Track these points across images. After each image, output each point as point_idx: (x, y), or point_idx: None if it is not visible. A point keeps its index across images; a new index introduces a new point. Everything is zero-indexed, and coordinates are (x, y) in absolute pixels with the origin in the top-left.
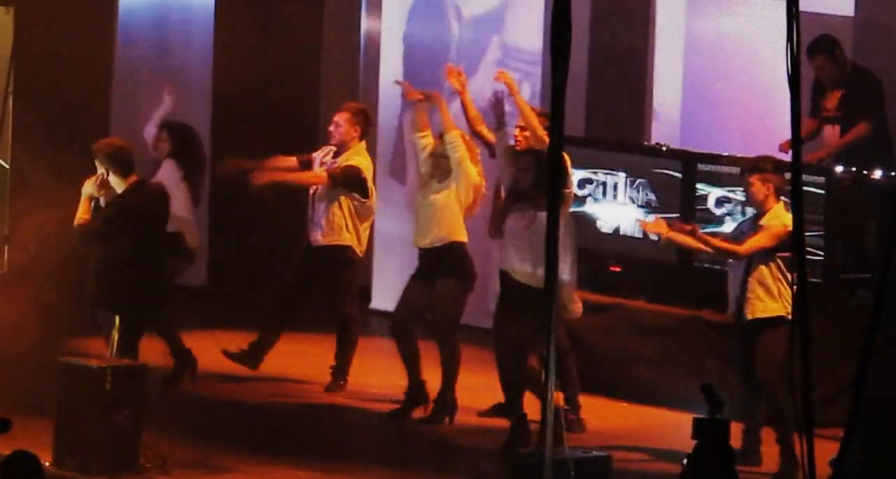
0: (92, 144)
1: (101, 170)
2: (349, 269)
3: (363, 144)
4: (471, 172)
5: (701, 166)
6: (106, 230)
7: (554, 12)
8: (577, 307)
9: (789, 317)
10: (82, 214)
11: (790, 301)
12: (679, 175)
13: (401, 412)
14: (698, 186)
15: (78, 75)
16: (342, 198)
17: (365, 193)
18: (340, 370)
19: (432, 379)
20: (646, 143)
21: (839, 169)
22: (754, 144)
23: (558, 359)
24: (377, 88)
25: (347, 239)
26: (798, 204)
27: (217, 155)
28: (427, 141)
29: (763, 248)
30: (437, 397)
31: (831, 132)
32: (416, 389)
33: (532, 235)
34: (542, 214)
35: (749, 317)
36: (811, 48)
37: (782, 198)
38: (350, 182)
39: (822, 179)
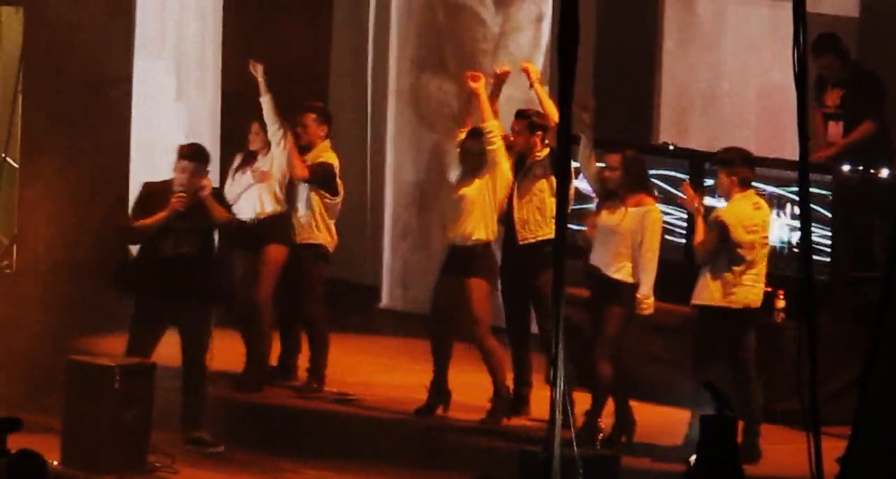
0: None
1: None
2: (321, 267)
3: (328, 142)
4: (504, 166)
5: (709, 166)
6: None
7: (561, 12)
8: (650, 303)
9: (753, 306)
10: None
11: (757, 292)
12: (685, 176)
13: (423, 410)
14: (707, 185)
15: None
16: (313, 196)
17: (335, 190)
18: (315, 372)
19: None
20: (653, 142)
21: (846, 168)
22: (763, 142)
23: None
24: (385, 89)
25: (319, 237)
26: (805, 203)
27: (225, 156)
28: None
29: (710, 241)
30: (494, 397)
31: (834, 128)
32: (437, 386)
33: (621, 231)
34: (632, 211)
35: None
36: (816, 46)
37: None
38: (325, 179)
39: (828, 178)
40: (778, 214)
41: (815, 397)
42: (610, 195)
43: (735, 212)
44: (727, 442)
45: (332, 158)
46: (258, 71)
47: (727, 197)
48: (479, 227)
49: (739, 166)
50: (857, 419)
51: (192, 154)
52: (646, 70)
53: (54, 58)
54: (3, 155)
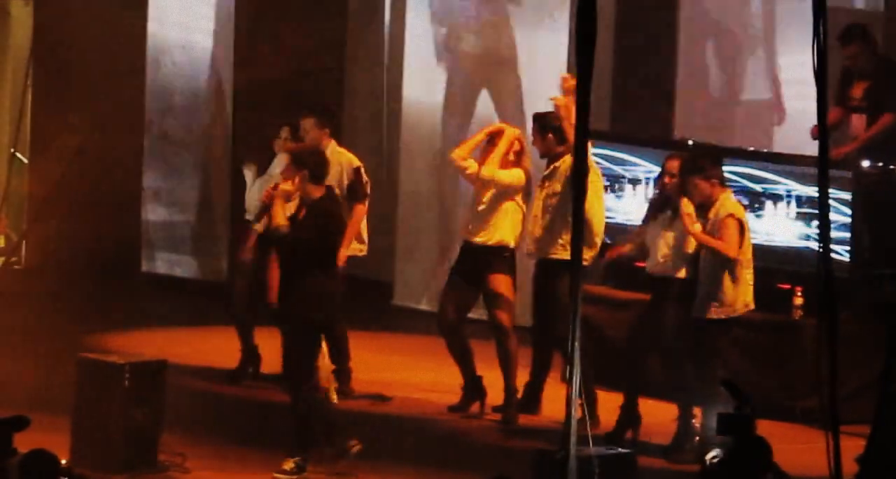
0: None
1: (284, 174)
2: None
3: (334, 144)
4: (515, 180)
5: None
6: (307, 236)
7: (579, 7)
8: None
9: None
10: (283, 219)
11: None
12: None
13: (459, 407)
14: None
15: (104, 69)
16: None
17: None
18: (342, 373)
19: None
20: (672, 138)
21: (866, 163)
22: (781, 137)
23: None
24: (401, 86)
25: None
26: (824, 199)
27: (237, 151)
28: (472, 169)
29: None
30: (505, 397)
31: (858, 122)
32: (472, 383)
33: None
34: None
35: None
36: (844, 36)
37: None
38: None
39: (848, 174)
40: (798, 212)
41: (835, 396)
42: (668, 200)
43: (733, 209)
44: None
45: (354, 160)
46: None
47: (708, 200)
48: (508, 232)
49: (712, 168)
50: (877, 419)
51: None
52: (665, 64)
53: (65, 52)
54: (13, 150)
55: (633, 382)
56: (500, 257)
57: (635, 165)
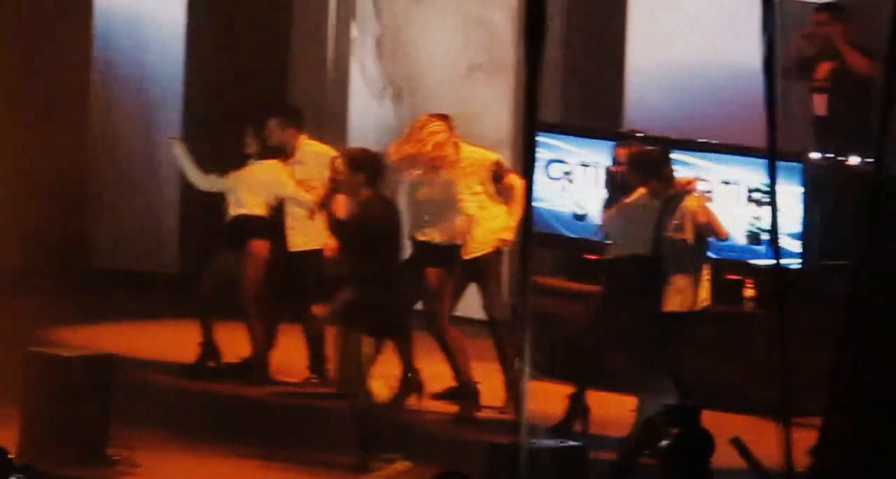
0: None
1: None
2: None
3: (304, 136)
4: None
5: (677, 153)
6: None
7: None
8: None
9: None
10: (342, 213)
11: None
12: None
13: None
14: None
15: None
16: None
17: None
18: (317, 370)
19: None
20: (621, 129)
21: (816, 155)
22: (734, 129)
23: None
24: (348, 74)
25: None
26: (773, 190)
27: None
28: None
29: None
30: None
31: (819, 101)
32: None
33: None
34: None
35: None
36: (823, 5)
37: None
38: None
39: (798, 165)
40: (748, 203)
41: (787, 388)
42: (619, 189)
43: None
44: (696, 430)
45: (330, 151)
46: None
47: (670, 193)
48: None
49: (664, 167)
50: (829, 410)
51: None
52: (615, 54)
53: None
54: None
55: (587, 374)
56: (436, 251)
57: (584, 156)
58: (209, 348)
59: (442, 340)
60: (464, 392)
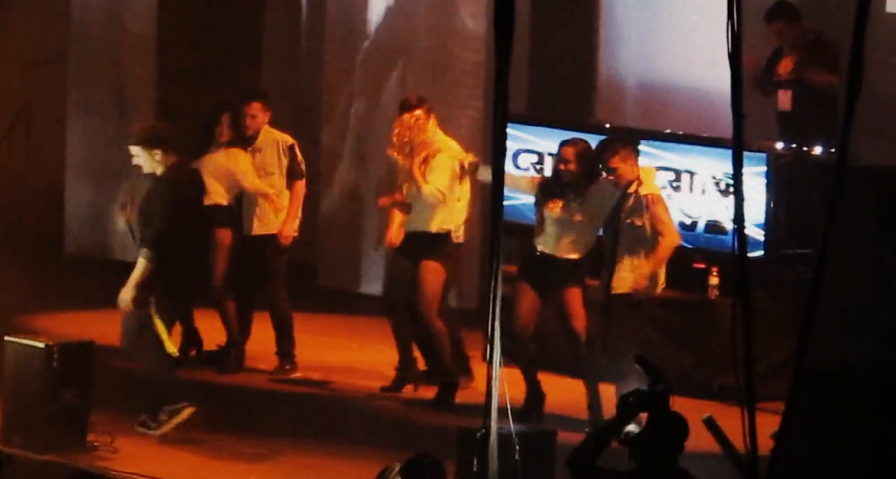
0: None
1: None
2: (281, 255)
3: (268, 127)
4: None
5: (645, 144)
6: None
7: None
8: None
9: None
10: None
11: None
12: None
13: (391, 388)
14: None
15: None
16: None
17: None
18: (286, 355)
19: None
20: (590, 120)
21: (780, 145)
22: (702, 121)
23: None
24: (322, 43)
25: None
26: (738, 181)
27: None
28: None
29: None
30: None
31: (784, 97)
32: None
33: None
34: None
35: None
36: (770, 14)
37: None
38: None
39: (763, 155)
40: (713, 192)
41: (751, 374)
42: (567, 187)
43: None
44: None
45: (287, 139)
46: None
47: (625, 182)
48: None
49: (629, 149)
50: (791, 395)
51: None
52: (585, 45)
53: None
54: None
55: (530, 361)
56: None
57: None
58: (189, 337)
59: (429, 328)
60: (444, 380)
